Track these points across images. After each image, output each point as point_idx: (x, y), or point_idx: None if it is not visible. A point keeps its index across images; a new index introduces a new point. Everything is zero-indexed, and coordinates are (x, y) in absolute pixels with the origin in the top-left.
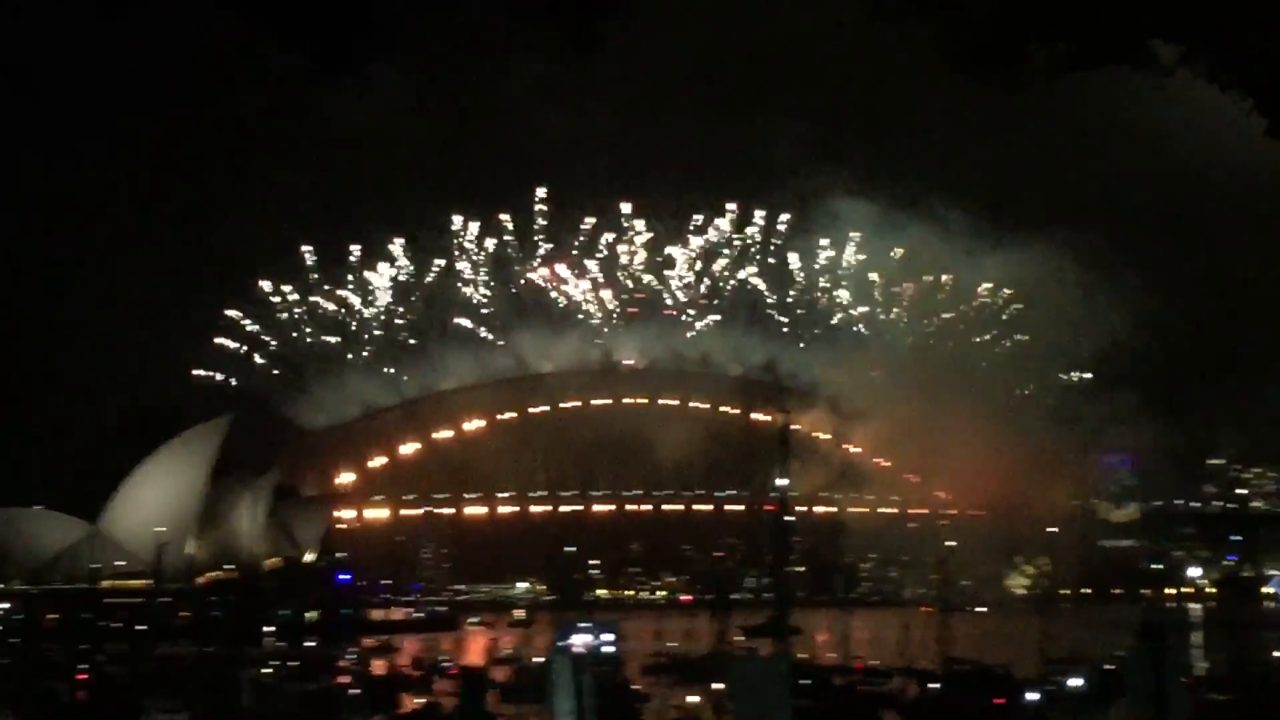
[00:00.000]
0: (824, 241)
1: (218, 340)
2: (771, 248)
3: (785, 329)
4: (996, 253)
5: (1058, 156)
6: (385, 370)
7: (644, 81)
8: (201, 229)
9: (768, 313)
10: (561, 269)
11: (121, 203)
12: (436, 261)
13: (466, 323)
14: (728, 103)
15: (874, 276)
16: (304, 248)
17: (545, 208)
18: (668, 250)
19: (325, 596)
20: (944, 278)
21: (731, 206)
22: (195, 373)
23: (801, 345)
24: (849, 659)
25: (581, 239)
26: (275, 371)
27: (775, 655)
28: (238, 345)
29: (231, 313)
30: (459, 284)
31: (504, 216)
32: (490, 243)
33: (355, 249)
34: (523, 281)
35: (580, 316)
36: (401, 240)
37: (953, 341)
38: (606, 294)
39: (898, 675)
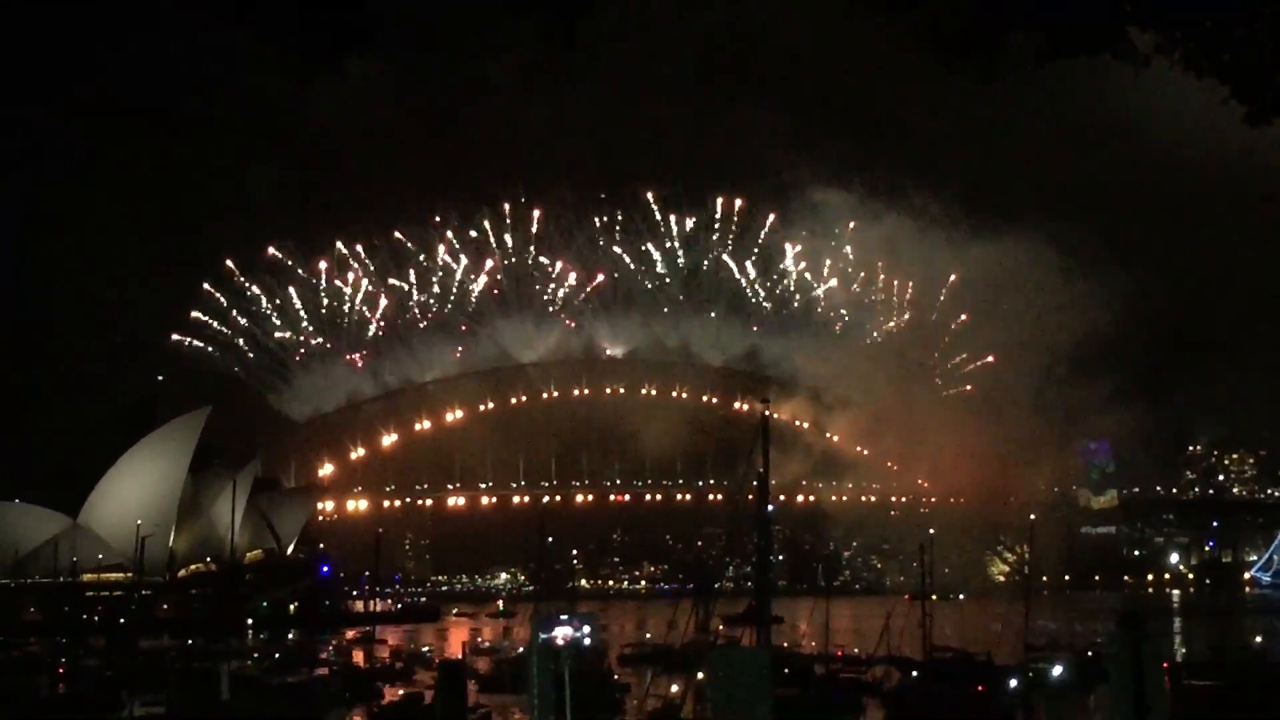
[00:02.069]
0: (804, 231)
1: (194, 314)
2: (758, 240)
3: (766, 318)
4: (976, 241)
5: (1037, 145)
6: (365, 361)
7: (625, 73)
8: (181, 222)
9: (748, 301)
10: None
11: (97, 194)
12: (416, 252)
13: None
14: (709, 93)
15: (854, 265)
16: (284, 240)
17: (524, 200)
18: (648, 242)
19: (306, 588)
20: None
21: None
22: (175, 336)
23: (782, 333)
24: (830, 647)
25: (567, 231)
26: (255, 362)
27: (756, 645)
28: (215, 332)
29: (203, 315)
30: (438, 275)
31: (487, 207)
32: (470, 233)
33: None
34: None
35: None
36: (381, 231)
37: (933, 330)
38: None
39: (879, 663)
